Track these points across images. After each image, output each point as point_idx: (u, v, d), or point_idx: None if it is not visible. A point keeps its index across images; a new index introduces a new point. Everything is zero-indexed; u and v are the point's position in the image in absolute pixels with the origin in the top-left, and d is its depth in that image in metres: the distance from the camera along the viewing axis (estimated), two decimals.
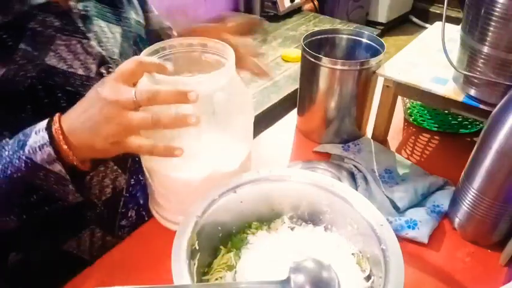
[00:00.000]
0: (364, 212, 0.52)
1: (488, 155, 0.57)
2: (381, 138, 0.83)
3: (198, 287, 0.48)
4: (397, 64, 0.76)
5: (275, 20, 2.16)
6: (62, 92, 0.56)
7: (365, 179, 0.72)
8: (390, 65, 0.76)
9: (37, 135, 0.48)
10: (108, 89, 0.47)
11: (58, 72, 0.56)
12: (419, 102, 0.87)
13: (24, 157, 0.48)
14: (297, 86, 1.73)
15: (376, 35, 2.35)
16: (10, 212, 0.53)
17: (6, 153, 0.50)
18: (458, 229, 0.66)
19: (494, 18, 0.57)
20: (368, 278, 0.51)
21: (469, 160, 0.63)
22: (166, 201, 0.61)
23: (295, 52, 1.81)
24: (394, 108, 0.80)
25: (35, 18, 0.55)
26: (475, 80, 0.64)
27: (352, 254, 0.53)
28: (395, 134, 0.87)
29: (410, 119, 0.91)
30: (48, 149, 0.48)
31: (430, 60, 0.77)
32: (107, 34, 0.63)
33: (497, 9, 0.56)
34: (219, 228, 0.55)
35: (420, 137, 0.87)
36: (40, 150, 0.48)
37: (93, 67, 0.59)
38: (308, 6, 2.48)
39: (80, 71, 0.58)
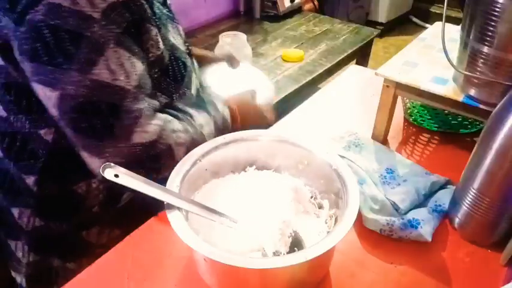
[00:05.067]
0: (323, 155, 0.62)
1: (488, 155, 0.57)
2: (381, 138, 0.83)
3: (184, 198, 0.54)
4: (397, 64, 0.76)
5: (275, 20, 2.16)
6: (181, 62, 0.73)
7: (366, 179, 0.72)
8: (390, 65, 0.76)
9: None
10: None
11: (175, 47, 0.72)
12: (419, 102, 0.87)
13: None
14: (296, 86, 1.72)
15: (376, 35, 2.34)
16: None
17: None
18: (458, 229, 0.66)
19: (494, 18, 0.57)
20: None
21: (469, 160, 0.63)
22: None
23: (295, 52, 1.81)
24: (394, 108, 0.80)
25: (154, 5, 0.68)
26: (475, 80, 0.64)
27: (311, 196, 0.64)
28: (395, 134, 0.87)
29: (410, 119, 0.91)
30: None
31: (430, 60, 0.77)
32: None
33: (497, 9, 0.56)
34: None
35: (420, 137, 0.87)
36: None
37: (183, 44, 0.76)
38: (308, 6, 2.48)
39: (181, 48, 0.75)
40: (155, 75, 0.67)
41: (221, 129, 0.74)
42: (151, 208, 0.63)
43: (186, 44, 0.79)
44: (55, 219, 0.72)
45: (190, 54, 0.79)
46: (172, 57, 0.71)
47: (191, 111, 0.72)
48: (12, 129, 0.67)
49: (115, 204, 0.74)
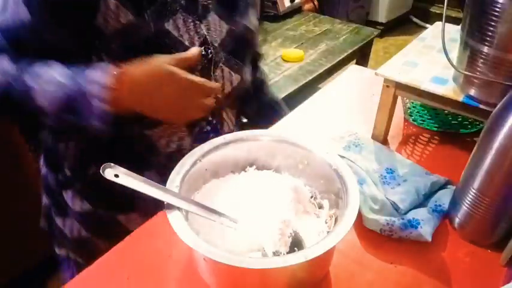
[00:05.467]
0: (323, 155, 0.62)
1: (488, 155, 0.57)
2: (381, 138, 0.83)
3: (184, 198, 0.54)
4: (397, 64, 0.76)
5: (275, 20, 2.17)
6: (167, 52, 0.67)
7: (366, 179, 0.72)
8: (390, 65, 0.76)
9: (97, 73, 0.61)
10: (195, 79, 0.65)
11: (170, 37, 0.68)
12: (419, 102, 0.87)
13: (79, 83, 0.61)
14: (296, 86, 1.72)
15: (376, 35, 2.34)
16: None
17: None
18: (458, 229, 0.66)
19: (494, 18, 0.57)
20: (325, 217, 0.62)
21: (469, 160, 0.63)
22: None
23: (295, 52, 1.82)
24: (394, 108, 0.80)
25: None
26: (475, 80, 0.64)
27: (311, 196, 0.64)
28: (395, 134, 0.87)
29: (410, 119, 0.91)
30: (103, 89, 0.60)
31: (430, 60, 0.77)
32: (216, 26, 0.75)
33: (497, 9, 0.56)
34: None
35: (420, 137, 0.87)
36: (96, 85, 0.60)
37: (197, 44, 0.72)
38: (308, 6, 2.48)
39: (186, 43, 0.70)
40: (116, 48, 0.64)
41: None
42: (115, 187, 0.56)
43: (207, 48, 0.73)
44: (51, 171, 0.81)
45: (209, 59, 0.73)
46: (154, 43, 0.66)
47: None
48: None
49: (83, 175, 0.77)
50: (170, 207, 0.52)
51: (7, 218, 1.37)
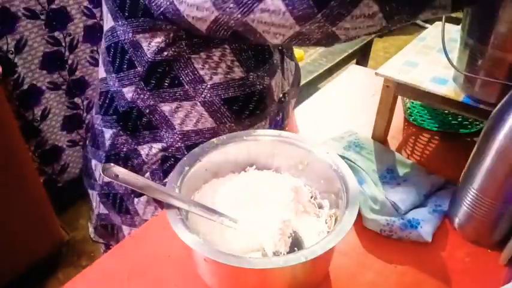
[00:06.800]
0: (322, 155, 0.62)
1: (488, 155, 0.57)
2: (381, 138, 0.83)
3: (184, 198, 0.54)
4: (397, 64, 0.76)
5: None
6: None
7: (366, 179, 0.72)
8: (390, 65, 0.76)
9: None
10: None
11: None
12: (419, 102, 0.87)
13: None
14: None
15: (376, 34, 2.34)
16: None
17: None
18: (458, 229, 0.66)
19: (494, 18, 0.57)
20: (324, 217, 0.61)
21: (469, 160, 0.63)
22: None
23: (295, 52, 1.81)
24: (394, 108, 0.80)
25: None
26: (475, 80, 0.64)
27: (311, 196, 0.64)
28: (395, 134, 0.87)
29: (410, 119, 0.91)
30: None
31: (430, 60, 0.77)
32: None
33: (497, 9, 0.56)
34: None
35: (420, 137, 0.87)
36: None
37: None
38: None
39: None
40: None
41: None
42: None
43: None
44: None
45: (282, 51, 0.75)
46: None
47: None
48: (106, 88, 0.73)
49: (162, 180, 0.75)
50: (170, 207, 0.52)
51: (7, 218, 1.37)
